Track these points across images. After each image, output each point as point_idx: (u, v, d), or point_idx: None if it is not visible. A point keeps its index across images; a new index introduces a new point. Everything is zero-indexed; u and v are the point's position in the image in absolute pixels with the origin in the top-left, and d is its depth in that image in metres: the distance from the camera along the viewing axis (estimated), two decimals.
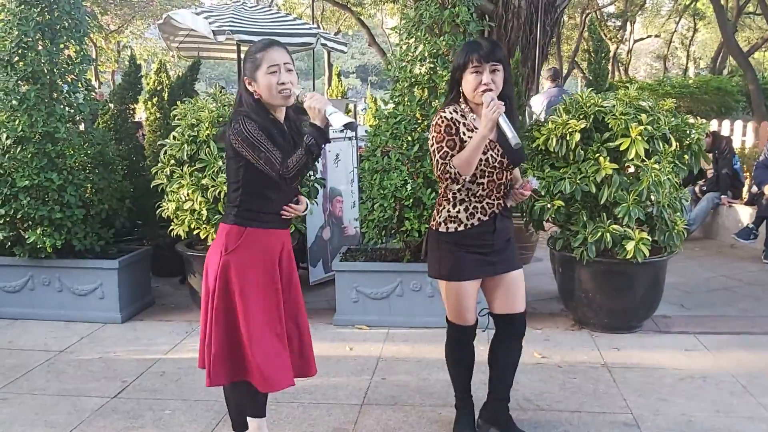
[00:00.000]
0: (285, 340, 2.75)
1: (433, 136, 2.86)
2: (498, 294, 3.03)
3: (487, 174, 2.87)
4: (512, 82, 2.94)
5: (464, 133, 2.83)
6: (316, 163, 4.98)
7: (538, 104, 7.67)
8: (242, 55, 7.65)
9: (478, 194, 2.89)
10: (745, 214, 7.30)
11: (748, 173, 7.88)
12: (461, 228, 2.91)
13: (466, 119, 2.86)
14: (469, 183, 2.88)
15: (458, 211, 2.91)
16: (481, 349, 3.19)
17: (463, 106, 2.89)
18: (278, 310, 2.72)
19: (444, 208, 2.95)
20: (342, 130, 2.50)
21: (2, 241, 4.87)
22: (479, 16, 8.54)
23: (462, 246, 2.92)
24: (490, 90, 2.77)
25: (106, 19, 19.85)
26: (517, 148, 2.74)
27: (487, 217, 2.91)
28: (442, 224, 2.95)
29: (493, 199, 2.91)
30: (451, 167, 2.79)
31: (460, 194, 2.90)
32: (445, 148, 2.82)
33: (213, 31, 6.84)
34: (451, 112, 2.86)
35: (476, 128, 2.82)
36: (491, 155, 2.84)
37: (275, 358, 2.67)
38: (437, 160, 2.84)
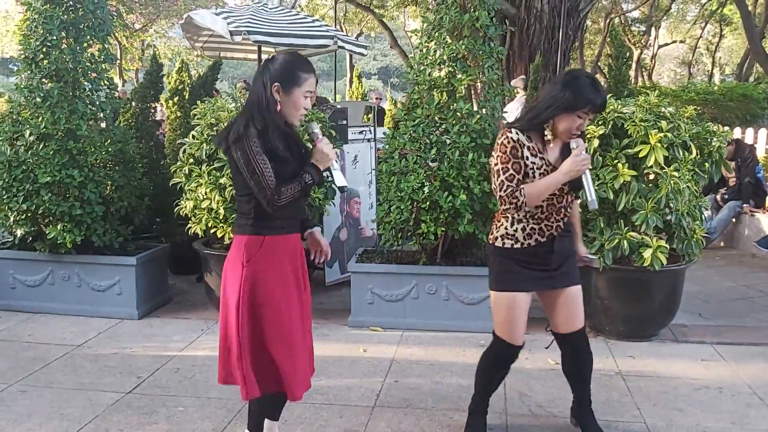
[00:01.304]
0: (309, 342, 2.78)
1: (498, 156, 2.83)
2: (558, 311, 3.01)
3: (547, 198, 2.86)
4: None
5: (527, 157, 2.82)
6: (334, 165, 4.99)
7: (513, 111, 7.68)
8: (263, 56, 7.72)
9: (536, 216, 2.89)
10: (767, 223, 7.20)
11: None
12: (518, 246, 2.92)
13: (531, 142, 2.84)
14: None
15: (515, 230, 2.91)
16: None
17: (533, 130, 2.85)
18: (302, 317, 2.73)
19: (501, 224, 2.95)
20: (337, 186, 2.68)
21: (24, 236, 4.95)
22: (501, 20, 8.56)
23: (520, 261, 2.93)
24: (577, 135, 2.78)
25: (132, 17, 20.06)
26: (592, 209, 2.78)
27: (544, 239, 2.90)
28: (499, 239, 2.95)
29: (552, 222, 2.90)
30: (520, 194, 2.79)
31: (518, 214, 2.90)
32: (511, 171, 2.79)
33: (230, 31, 6.88)
34: (516, 133, 2.82)
35: (540, 153, 2.83)
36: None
37: (302, 367, 2.69)
38: (502, 181, 2.81)
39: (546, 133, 2.83)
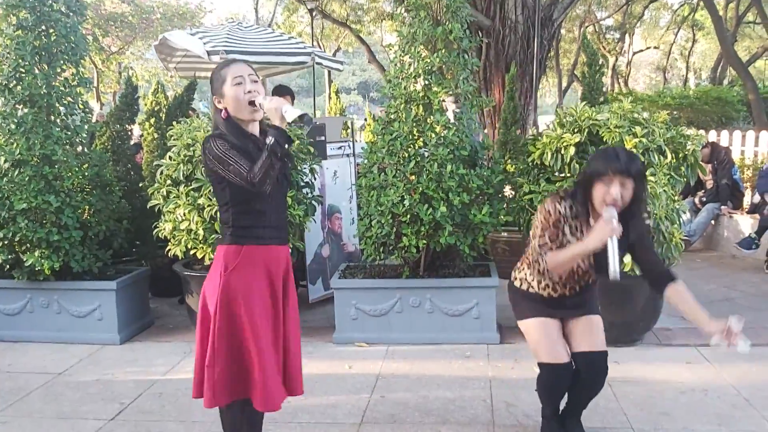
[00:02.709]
0: (281, 358, 2.74)
1: (540, 220, 2.90)
2: (576, 333, 3.04)
3: (567, 271, 2.93)
4: (643, 199, 2.83)
5: (565, 232, 2.88)
6: (314, 179, 4.99)
7: None
8: None
9: (554, 279, 2.99)
10: (746, 225, 7.27)
11: (748, 184, 7.87)
12: (532, 291, 3.07)
13: (576, 220, 2.87)
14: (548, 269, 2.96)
15: (533, 279, 3.05)
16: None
17: (580, 207, 2.86)
18: (279, 328, 2.72)
19: (524, 269, 3.10)
20: (298, 124, 2.53)
21: (1, 264, 4.88)
22: (476, 31, 8.62)
23: (533, 298, 3.06)
24: (616, 205, 2.72)
25: (108, 40, 19.99)
26: (613, 279, 2.65)
27: (557, 295, 3.02)
28: (518, 280, 3.12)
29: (568, 283, 2.99)
30: (543, 261, 2.88)
31: (538, 266, 2.99)
32: (546, 239, 2.88)
33: (207, 51, 6.88)
34: (565, 208, 2.86)
35: (579, 231, 2.86)
36: (579, 262, 2.88)
37: (275, 376, 2.66)
38: (535, 243, 2.92)
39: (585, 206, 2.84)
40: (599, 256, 2.79)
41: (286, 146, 2.55)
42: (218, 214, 4.12)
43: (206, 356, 2.66)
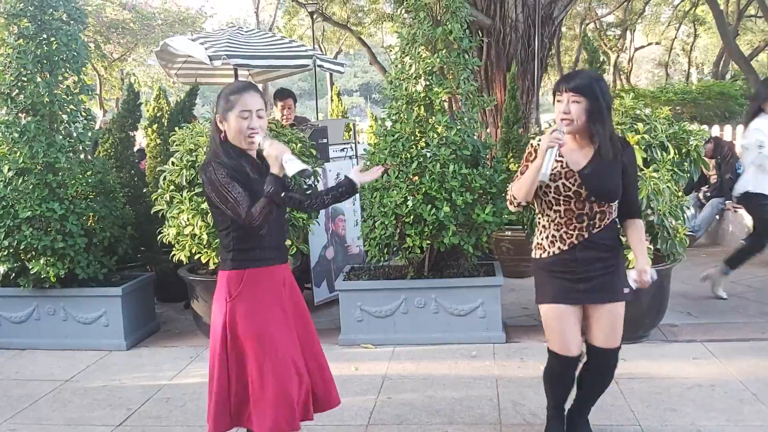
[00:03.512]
0: (305, 376, 2.71)
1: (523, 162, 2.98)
2: (595, 325, 2.97)
3: (562, 202, 2.87)
4: (605, 113, 2.79)
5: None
6: (317, 182, 4.99)
7: None
8: (240, 79, 7.72)
9: (556, 222, 2.92)
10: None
11: None
12: (545, 255, 2.96)
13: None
14: (547, 209, 2.93)
15: (542, 239, 2.98)
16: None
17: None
18: (295, 346, 2.70)
19: (535, 235, 3.05)
20: (299, 178, 2.50)
21: (7, 273, 4.90)
22: (476, 31, 8.61)
23: (550, 271, 2.96)
24: (567, 120, 2.77)
25: (109, 48, 20.03)
26: (541, 180, 2.75)
27: (566, 247, 2.90)
28: (534, 250, 3.04)
29: (573, 230, 2.88)
30: (510, 190, 2.95)
31: (543, 220, 2.97)
32: (518, 173, 2.96)
33: (209, 56, 6.89)
34: (539, 141, 2.88)
35: (561, 157, 2.86)
36: (563, 183, 2.85)
37: (286, 400, 2.61)
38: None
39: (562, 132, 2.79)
40: (587, 174, 2.81)
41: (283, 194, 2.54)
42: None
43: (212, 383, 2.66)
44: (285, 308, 2.71)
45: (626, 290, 2.93)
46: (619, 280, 2.93)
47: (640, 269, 2.85)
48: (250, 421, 2.65)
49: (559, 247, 2.91)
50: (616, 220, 2.96)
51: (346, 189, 2.88)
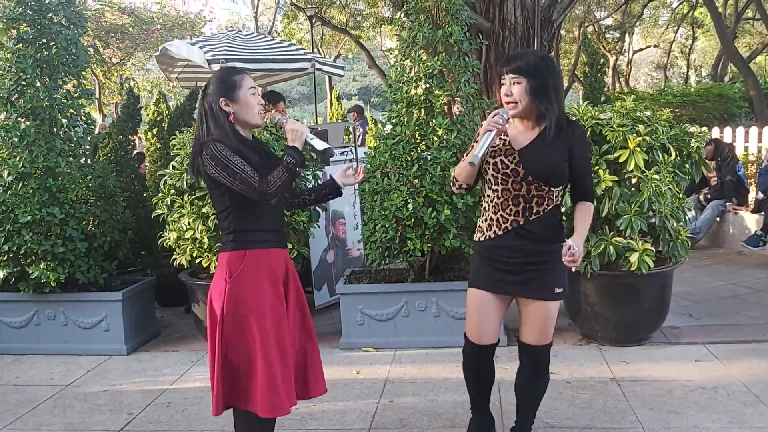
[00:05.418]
0: (292, 362, 2.73)
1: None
2: (526, 321, 2.92)
3: (500, 181, 2.80)
4: (550, 92, 2.73)
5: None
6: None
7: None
8: None
9: (494, 203, 2.84)
10: (752, 221, 7.25)
11: (753, 180, 7.84)
12: (482, 238, 2.91)
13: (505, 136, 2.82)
14: (488, 189, 2.87)
15: (482, 222, 2.94)
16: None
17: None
18: (287, 331, 2.71)
19: (479, 217, 2.99)
20: (321, 154, 2.61)
21: (6, 277, 4.89)
22: (475, 34, 8.62)
23: (483, 257, 2.91)
24: (511, 103, 2.73)
25: (108, 52, 20.03)
26: (470, 162, 2.68)
27: (501, 232, 2.83)
28: (476, 233, 2.98)
29: (509, 213, 2.81)
30: (453, 176, 2.91)
31: (484, 202, 2.92)
32: (465, 154, 2.90)
33: (207, 60, 6.90)
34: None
35: (505, 136, 2.80)
36: (501, 160, 2.78)
37: (283, 381, 2.64)
38: None
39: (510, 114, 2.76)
40: (527, 152, 2.75)
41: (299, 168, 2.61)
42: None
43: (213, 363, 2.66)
44: (278, 294, 2.71)
45: (559, 290, 2.85)
46: (552, 277, 2.84)
47: (568, 243, 2.67)
48: (247, 402, 2.65)
49: (494, 232, 2.84)
50: (559, 214, 2.88)
51: (329, 190, 2.94)
